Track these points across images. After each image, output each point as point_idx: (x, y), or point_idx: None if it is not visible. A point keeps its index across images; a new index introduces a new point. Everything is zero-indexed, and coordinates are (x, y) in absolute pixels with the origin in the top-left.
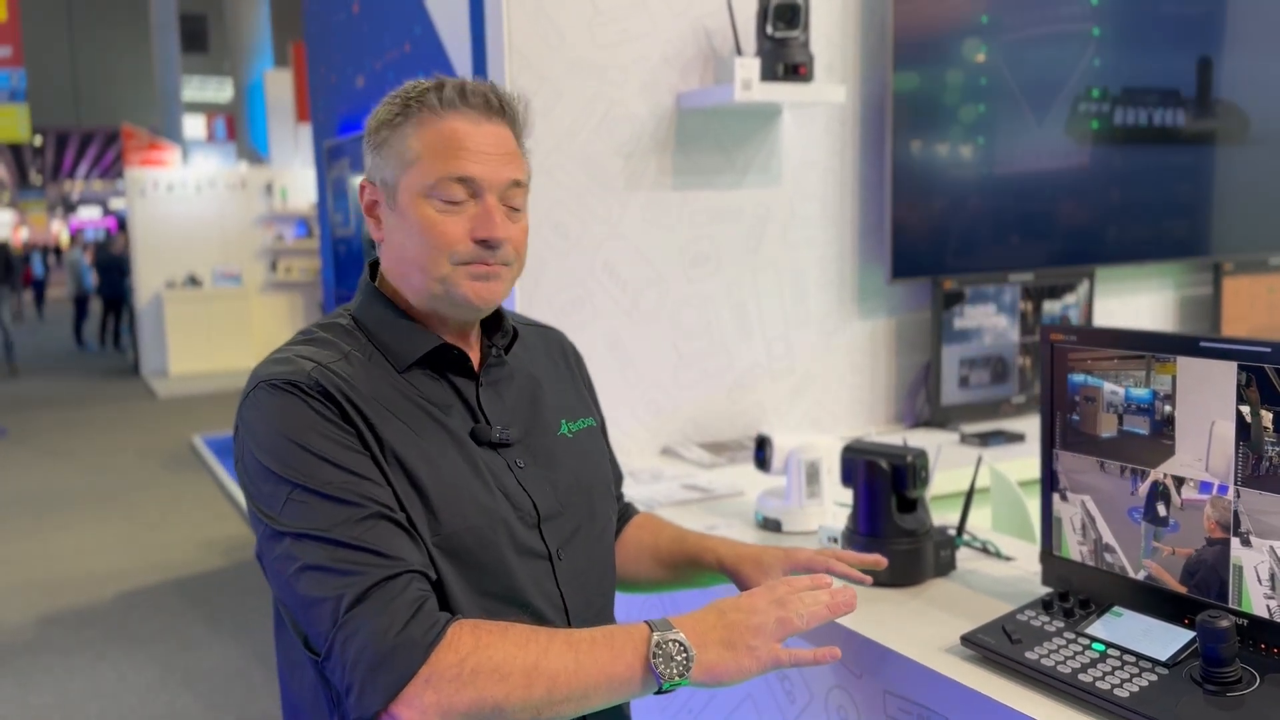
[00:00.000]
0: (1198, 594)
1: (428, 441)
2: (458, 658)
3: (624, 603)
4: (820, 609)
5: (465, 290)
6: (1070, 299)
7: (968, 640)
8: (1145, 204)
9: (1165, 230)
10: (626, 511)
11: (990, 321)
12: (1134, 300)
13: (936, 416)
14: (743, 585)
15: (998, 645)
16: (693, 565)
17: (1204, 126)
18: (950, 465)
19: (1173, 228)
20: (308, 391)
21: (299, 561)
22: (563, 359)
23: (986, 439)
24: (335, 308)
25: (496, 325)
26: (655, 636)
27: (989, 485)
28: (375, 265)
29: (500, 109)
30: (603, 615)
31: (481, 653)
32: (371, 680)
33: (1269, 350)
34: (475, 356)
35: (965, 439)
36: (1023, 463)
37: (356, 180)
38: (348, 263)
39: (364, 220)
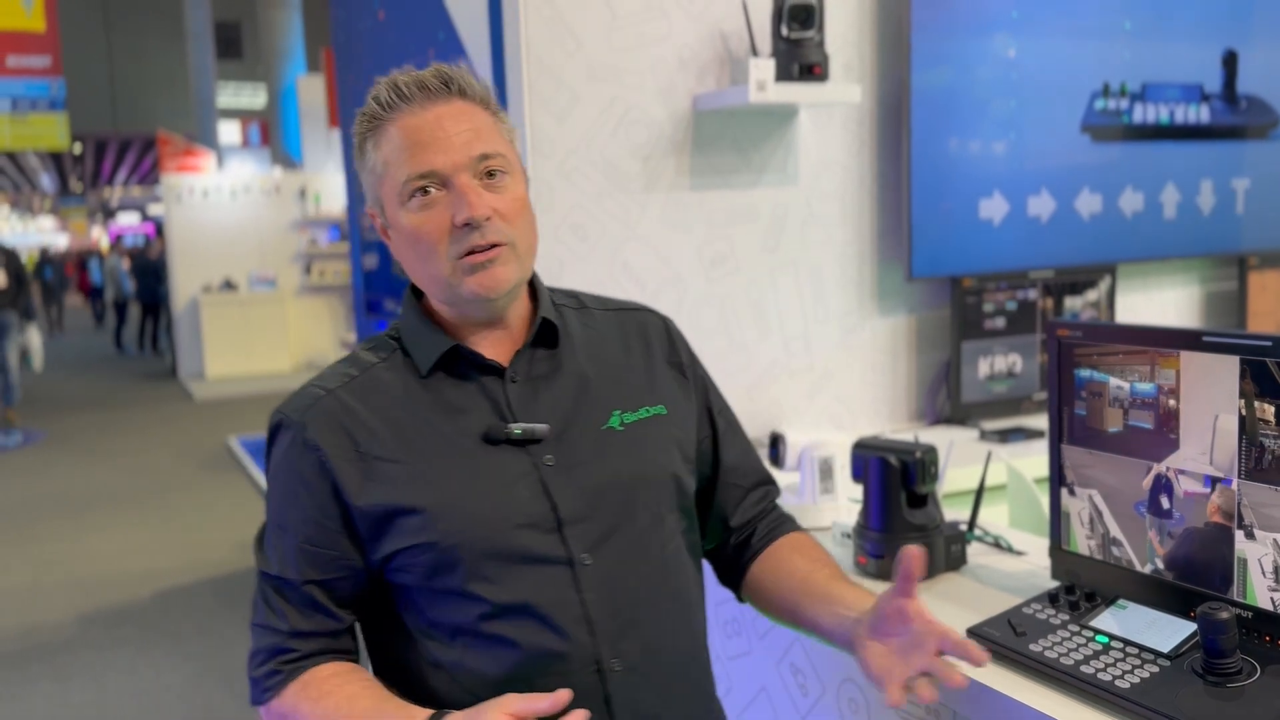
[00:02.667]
0: (1200, 585)
1: (427, 457)
2: (280, 712)
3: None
4: None
5: (470, 286)
6: (1092, 295)
7: (973, 633)
8: (1170, 199)
9: (1190, 226)
10: (778, 526)
11: (1010, 319)
12: (1159, 296)
13: (957, 414)
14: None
15: (1002, 638)
16: (819, 616)
17: (1231, 121)
18: (966, 462)
19: (1198, 223)
20: (294, 436)
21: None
22: (640, 343)
23: (1006, 436)
24: (365, 311)
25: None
26: None
27: (1005, 482)
28: None
29: (443, 87)
30: (639, 625)
31: (292, 718)
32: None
33: (1270, 344)
34: (507, 351)
35: (985, 436)
36: (1041, 459)
37: None
38: (376, 267)
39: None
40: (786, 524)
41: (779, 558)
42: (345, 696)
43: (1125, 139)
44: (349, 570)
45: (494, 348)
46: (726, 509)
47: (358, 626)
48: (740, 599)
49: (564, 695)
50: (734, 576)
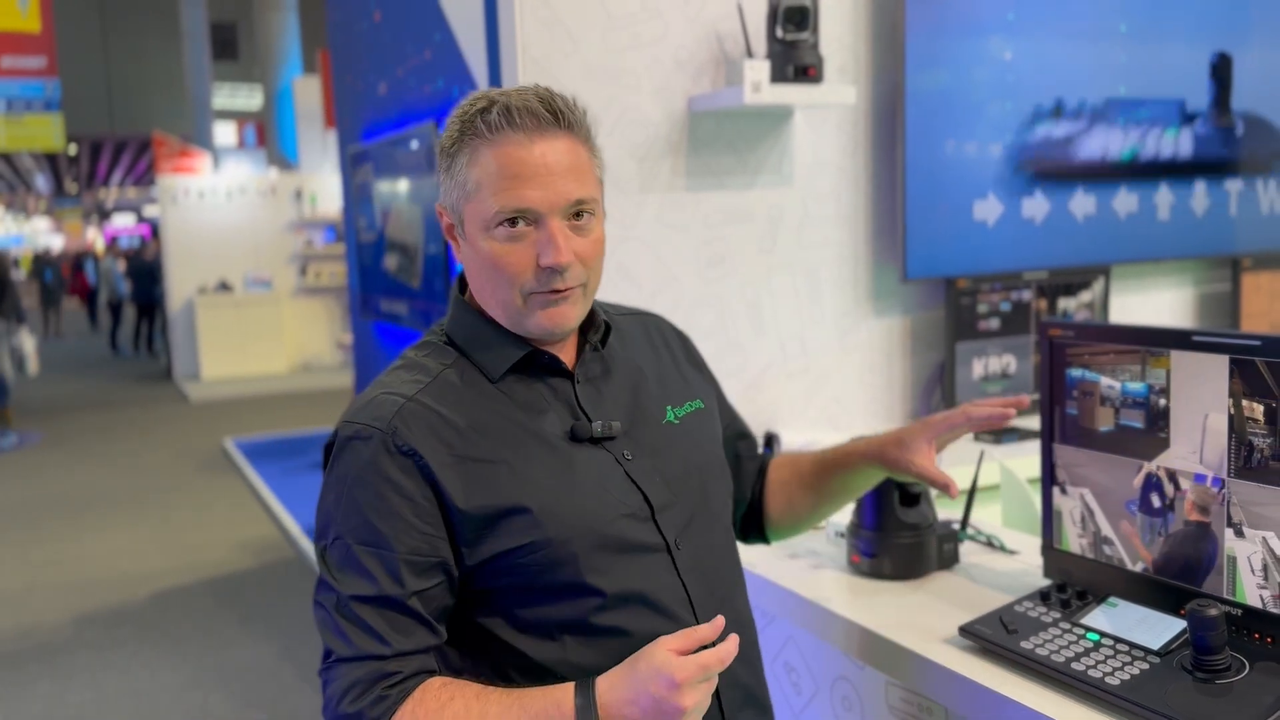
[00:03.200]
0: (1190, 583)
1: (521, 456)
2: None
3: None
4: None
5: (538, 320)
6: (1086, 296)
7: (965, 631)
8: (1164, 201)
9: (1184, 227)
10: (763, 463)
11: (1004, 320)
12: (1153, 297)
13: None
14: (893, 467)
15: (994, 635)
16: (839, 473)
17: (1225, 122)
18: (960, 462)
19: (1192, 225)
20: (382, 444)
21: (319, 594)
22: (663, 344)
23: (1000, 436)
24: (361, 312)
25: (590, 321)
26: None
27: (999, 482)
28: (464, 278)
29: (554, 119)
30: (727, 603)
31: None
32: None
33: (1260, 343)
34: (570, 354)
35: (978, 436)
36: (1035, 460)
37: (380, 186)
38: (372, 268)
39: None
40: (765, 458)
41: (776, 475)
42: (472, 695)
43: (1121, 138)
44: (447, 577)
45: (556, 350)
46: (751, 476)
47: None
48: (768, 540)
49: (720, 620)
50: (753, 523)
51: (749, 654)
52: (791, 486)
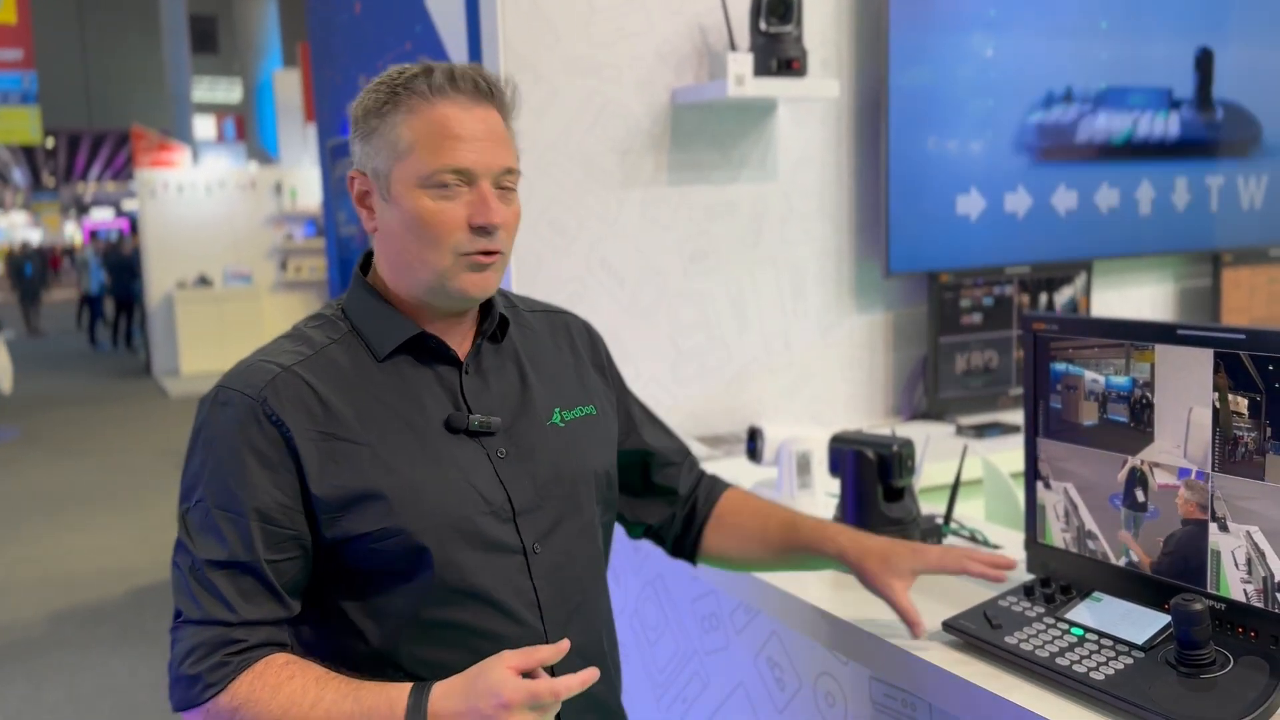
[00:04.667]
0: (1174, 577)
1: (390, 441)
2: (231, 706)
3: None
4: None
5: (463, 283)
6: (1068, 292)
7: (949, 626)
8: (1146, 196)
9: (1165, 222)
10: (714, 488)
11: (987, 315)
12: (1134, 292)
13: (934, 409)
14: (866, 580)
15: (978, 630)
16: (807, 553)
17: (1204, 135)
18: (943, 457)
19: (1173, 220)
20: (250, 411)
21: (176, 556)
22: (568, 344)
23: (982, 431)
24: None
25: (487, 312)
26: None
27: (981, 477)
28: (369, 256)
29: (489, 92)
30: (580, 611)
31: (247, 710)
32: (170, 688)
33: (1243, 337)
34: (464, 344)
35: (961, 430)
36: (1018, 454)
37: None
38: (352, 262)
39: (356, 212)
40: (718, 484)
41: (732, 513)
42: (312, 679)
43: (1105, 136)
44: (302, 551)
45: (449, 337)
46: (673, 484)
47: None
48: (695, 562)
49: (565, 644)
50: (686, 543)
51: (594, 659)
52: (752, 540)
